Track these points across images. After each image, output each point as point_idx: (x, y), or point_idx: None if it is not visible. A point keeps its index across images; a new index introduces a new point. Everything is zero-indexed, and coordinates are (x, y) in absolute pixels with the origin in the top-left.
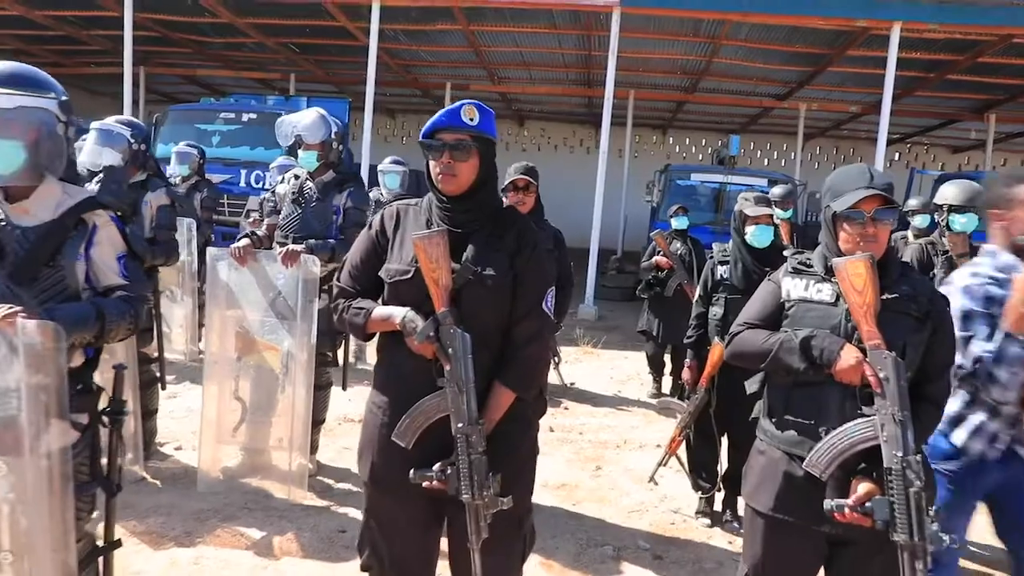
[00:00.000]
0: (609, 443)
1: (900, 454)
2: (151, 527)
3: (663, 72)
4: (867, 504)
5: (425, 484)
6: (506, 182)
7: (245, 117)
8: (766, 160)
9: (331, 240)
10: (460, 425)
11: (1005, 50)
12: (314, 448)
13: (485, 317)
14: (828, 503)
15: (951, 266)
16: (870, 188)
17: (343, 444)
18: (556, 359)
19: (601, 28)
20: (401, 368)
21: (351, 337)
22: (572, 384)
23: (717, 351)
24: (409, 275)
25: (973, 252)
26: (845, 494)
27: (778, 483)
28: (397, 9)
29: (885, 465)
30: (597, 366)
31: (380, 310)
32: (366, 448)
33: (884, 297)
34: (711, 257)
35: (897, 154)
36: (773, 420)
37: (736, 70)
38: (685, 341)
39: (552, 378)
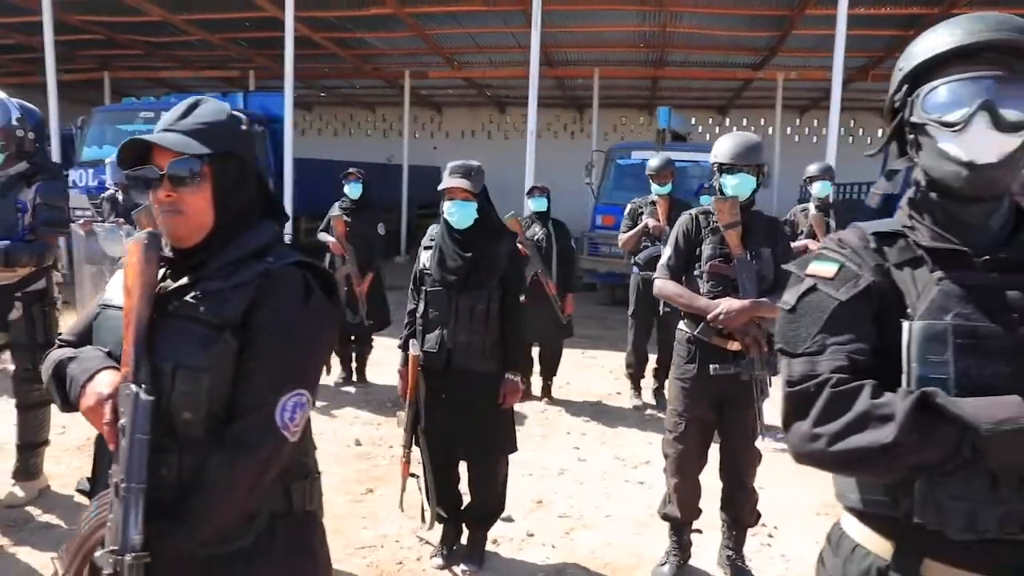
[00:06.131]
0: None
1: (114, 548)
2: None
3: (624, 47)
4: None
5: None
6: None
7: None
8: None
9: (26, 242)
10: None
11: None
12: (33, 474)
13: None
14: None
15: (721, 240)
16: (170, 131)
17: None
18: None
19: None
20: None
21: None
22: None
23: (414, 358)
24: None
25: (770, 223)
26: None
27: None
28: None
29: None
30: None
31: None
32: None
33: (179, 301)
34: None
35: None
36: None
37: (699, 39)
38: (398, 344)
39: None
